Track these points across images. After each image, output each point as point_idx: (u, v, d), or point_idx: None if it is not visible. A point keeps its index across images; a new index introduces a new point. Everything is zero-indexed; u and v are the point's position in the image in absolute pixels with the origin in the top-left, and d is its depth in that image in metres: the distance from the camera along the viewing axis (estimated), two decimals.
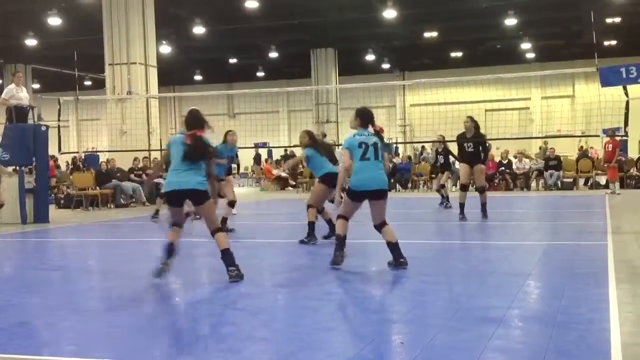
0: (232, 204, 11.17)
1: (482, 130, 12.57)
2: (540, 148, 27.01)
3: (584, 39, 28.51)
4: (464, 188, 12.30)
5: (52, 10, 24.36)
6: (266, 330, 4.82)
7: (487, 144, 14.66)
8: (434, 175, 21.62)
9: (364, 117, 7.31)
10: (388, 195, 7.21)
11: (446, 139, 17.64)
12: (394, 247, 7.03)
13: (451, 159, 16.06)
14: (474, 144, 12.09)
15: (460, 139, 12.38)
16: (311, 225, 9.55)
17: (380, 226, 7.15)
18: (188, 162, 6.44)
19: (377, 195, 7.07)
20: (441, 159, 16.28)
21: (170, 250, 6.55)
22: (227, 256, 6.46)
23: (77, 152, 29.05)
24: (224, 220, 10.54)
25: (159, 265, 6.48)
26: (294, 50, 35.00)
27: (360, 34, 30.96)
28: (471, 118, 12.36)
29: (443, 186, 16.16)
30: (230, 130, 11.21)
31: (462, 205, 12.04)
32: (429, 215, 13.82)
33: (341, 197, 7.41)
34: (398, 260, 6.99)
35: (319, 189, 9.79)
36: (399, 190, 23.26)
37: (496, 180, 22.31)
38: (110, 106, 22.33)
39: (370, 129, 7.28)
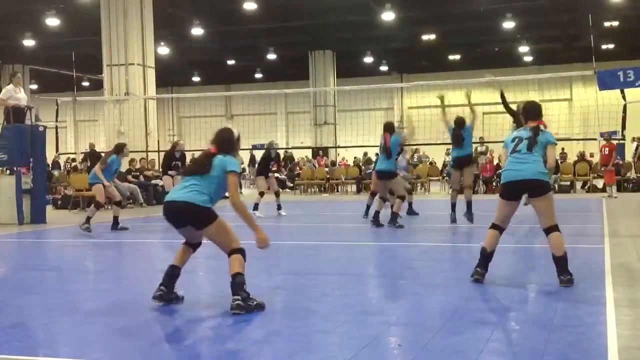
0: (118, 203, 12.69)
1: (480, 134, 13.00)
2: None
3: (582, 43, 28.57)
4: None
5: (51, 11, 24.36)
6: (263, 332, 4.82)
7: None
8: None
9: (525, 113, 6.64)
10: (548, 192, 6.33)
11: (442, 142, 17.52)
12: (558, 260, 6.18)
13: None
14: None
15: None
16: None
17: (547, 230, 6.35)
18: None
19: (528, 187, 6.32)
20: None
21: None
22: None
23: (75, 153, 29.02)
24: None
25: None
26: (292, 52, 35.02)
27: (359, 36, 30.98)
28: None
29: None
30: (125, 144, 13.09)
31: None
32: (425, 218, 13.80)
33: None
34: (560, 275, 6.11)
35: None
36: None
37: (494, 183, 22.31)
38: (108, 107, 22.34)
39: (531, 124, 6.43)
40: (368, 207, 13.04)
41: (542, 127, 6.42)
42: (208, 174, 5.45)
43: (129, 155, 12.89)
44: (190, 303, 5.76)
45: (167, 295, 5.53)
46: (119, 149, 12.53)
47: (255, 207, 14.16)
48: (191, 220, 5.43)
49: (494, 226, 6.41)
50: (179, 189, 5.51)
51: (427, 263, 8.17)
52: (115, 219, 12.30)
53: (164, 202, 5.63)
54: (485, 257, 6.34)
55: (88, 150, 23.58)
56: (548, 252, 8.66)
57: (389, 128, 11.89)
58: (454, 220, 11.70)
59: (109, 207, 13.31)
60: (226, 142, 5.66)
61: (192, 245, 5.68)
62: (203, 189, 5.40)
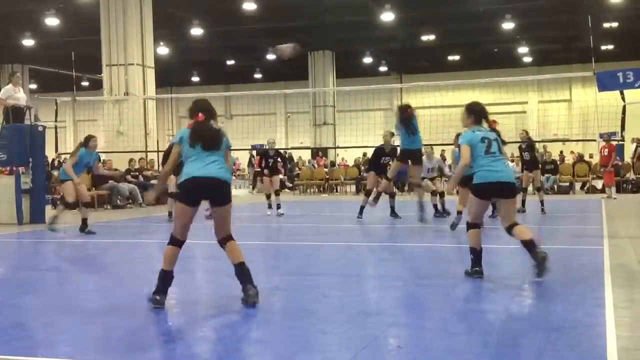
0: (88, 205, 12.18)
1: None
2: (537, 151, 27.05)
3: (581, 44, 28.57)
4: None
5: (50, 10, 24.34)
6: (262, 333, 4.82)
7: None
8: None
9: (478, 114, 6.78)
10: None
11: (441, 142, 17.40)
12: (526, 245, 6.37)
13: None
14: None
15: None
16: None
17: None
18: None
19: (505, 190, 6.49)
20: (526, 156, 14.58)
21: None
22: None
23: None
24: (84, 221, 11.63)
25: None
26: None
27: (358, 36, 31.00)
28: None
29: (525, 190, 14.65)
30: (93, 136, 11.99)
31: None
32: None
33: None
34: (534, 257, 6.30)
35: None
36: (397, 194, 23.24)
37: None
38: (107, 107, 22.34)
39: (485, 125, 6.73)
40: (362, 207, 13.08)
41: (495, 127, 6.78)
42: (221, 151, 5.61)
43: (96, 148, 12.11)
44: (190, 303, 5.76)
45: (165, 299, 5.53)
46: (86, 141, 11.72)
47: (270, 206, 14.88)
48: (220, 196, 5.54)
49: (476, 225, 6.60)
50: (206, 164, 5.49)
51: (427, 263, 8.17)
52: (84, 221, 11.65)
53: (198, 177, 5.45)
54: (479, 255, 6.55)
55: None
56: (548, 253, 8.66)
57: (401, 110, 12.02)
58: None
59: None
60: (210, 111, 5.75)
61: (180, 244, 5.58)
62: (225, 166, 5.61)
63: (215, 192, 5.53)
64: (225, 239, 5.57)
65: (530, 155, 14.54)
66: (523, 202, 14.36)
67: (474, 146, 6.50)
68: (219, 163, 5.54)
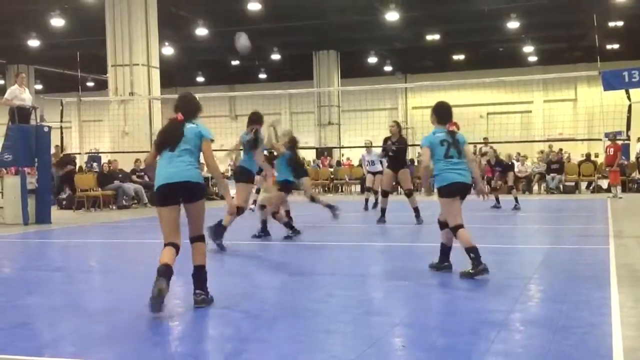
0: None
1: (483, 133, 12.89)
2: (542, 152, 27.01)
3: (587, 43, 28.51)
4: (386, 194, 12.67)
5: (55, 11, 24.42)
6: (267, 332, 4.81)
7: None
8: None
9: (441, 114, 6.88)
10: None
11: None
12: (469, 251, 6.55)
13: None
14: (396, 149, 12.21)
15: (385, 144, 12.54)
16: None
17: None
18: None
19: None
20: (496, 167, 16.55)
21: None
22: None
23: (80, 154, 29.02)
24: None
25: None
26: (296, 52, 35.05)
27: (363, 36, 31.00)
28: (397, 123, 12.81)
29: (496, 189, 16.04)
30: None
31: (383, 210, 12.54)
32: (430, 218, 13.79)
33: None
34: (476, 267, 6.46)
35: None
36: (400, 193, 23.21)
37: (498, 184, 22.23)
38: (112, 107, 22.39)
39: (449, 128, 6.81)
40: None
41: (455, 129, 6.83)
42: (190, 146, 5.46)
43: None
44: (192, 303, 5.76)
45: (167, 289, 5.37)
46: None
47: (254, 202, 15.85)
48: (190, 194, 5.48)
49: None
50: (173, 165, 5.41)
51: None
52: None
53: (165, 184, 5.41)
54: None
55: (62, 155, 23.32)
56: (551, 253, 8.66)
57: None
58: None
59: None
60: (191, 110, 5.64)
61: (174, 246, 5.48)
62: (196, 163, 5.53)
63: (185, 192, 5.46)
64: (194, 239, 5.59)
65: (498, 163, 16.57)
66: (497, 199, 15.45)
67: (433, 149, 6.73)
68: (187, 161, 5.43)
